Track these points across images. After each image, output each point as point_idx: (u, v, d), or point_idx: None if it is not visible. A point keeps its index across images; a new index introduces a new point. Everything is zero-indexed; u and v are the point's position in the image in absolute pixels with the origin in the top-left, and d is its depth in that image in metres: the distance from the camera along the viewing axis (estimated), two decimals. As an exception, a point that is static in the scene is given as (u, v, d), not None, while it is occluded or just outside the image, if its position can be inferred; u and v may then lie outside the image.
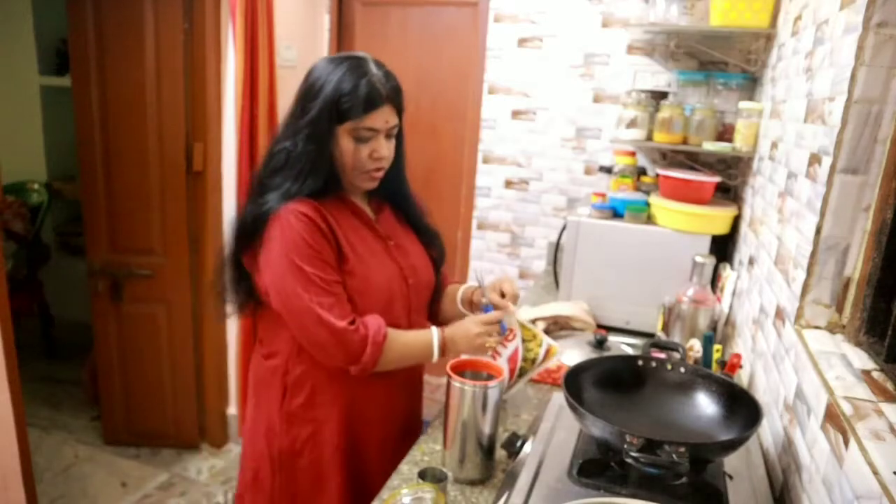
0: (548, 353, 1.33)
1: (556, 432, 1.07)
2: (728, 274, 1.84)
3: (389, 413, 1.34)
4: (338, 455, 1.27)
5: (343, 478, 1.28)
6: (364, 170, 1.21)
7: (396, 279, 1.27)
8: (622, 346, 1.75)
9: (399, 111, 1.22)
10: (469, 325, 1.24)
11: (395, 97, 1.19)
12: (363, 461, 1.31)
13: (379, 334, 1.17)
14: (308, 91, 1.17)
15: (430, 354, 1.22)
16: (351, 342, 1.15)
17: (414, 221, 1.39)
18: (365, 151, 1.18)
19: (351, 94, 1.13)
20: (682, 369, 1.09)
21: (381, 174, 1.24)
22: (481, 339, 1.22)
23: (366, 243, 1.25)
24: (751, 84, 2.17)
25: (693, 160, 2.31)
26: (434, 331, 1.23)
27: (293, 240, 1.14)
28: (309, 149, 1.16)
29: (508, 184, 2.70)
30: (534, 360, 1.34)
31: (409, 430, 1.40)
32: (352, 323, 1.15)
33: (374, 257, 1.25)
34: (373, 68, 1.17)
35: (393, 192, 1.34)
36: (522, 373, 1.33)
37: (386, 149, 1.21)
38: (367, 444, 1.31)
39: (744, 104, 1.91)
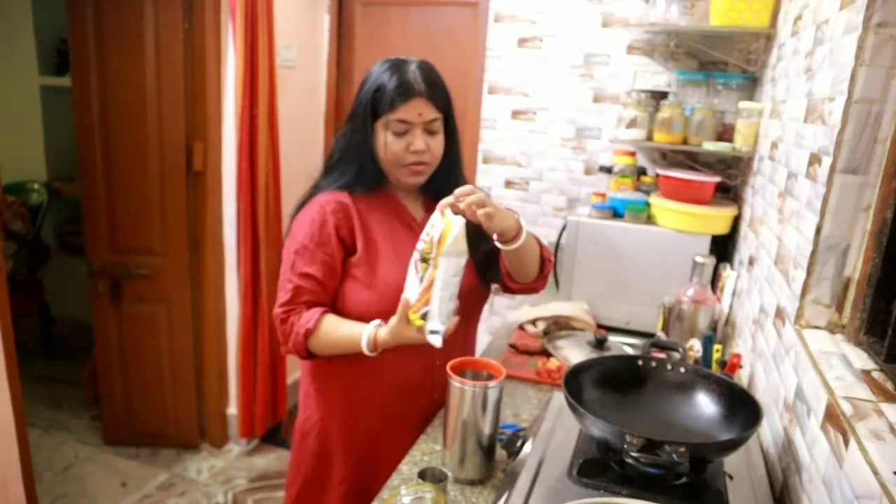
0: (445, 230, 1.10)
1: (556, 432, 1.07)
2: (728, 274, 1.84)
3: (401, 415, 1.32)
4: (340, 450, 1.28)
5: (347, 475, 1.28)
6: (403, 163, 1.22)
7: None
8: (622, 346, 1.75)
9: (439, 107, 1.21)
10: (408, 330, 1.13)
11: (430, 92, 1.19)
12: (371, 462, 1.30)
13: (302, 328, 1.18)
14: (357, 92, 1.25)
15: (359, 348, 1.16)
16: (280, 328, 1.22)
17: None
18: (402, 145, 1.20)
19: (382, 89, 1.18)
20: (682, 369, 1.09)
21: (422, 168, 1.23)
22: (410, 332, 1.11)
23: (391, 241, 1.25)
24: (751, 84, 2.17)
25: (693, 160, 2.31)
26: (365, 329, 1.16)
27: (300, 227, 1.22)
28: (353, 144, 1.23)
29: (508, 184, 2.70)
30: (439, 240, 1.09)
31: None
32: (287, 312, 1.21)
33: (395, 254, 1.24)
34: (411, 66, 1.20)
35: (442, 192, 1.26)
36: (427, 258, 1.10)
37: (422, 142, 1.20)
38: (377, 446, 1.30)
39: (744, 104, 1.91)
